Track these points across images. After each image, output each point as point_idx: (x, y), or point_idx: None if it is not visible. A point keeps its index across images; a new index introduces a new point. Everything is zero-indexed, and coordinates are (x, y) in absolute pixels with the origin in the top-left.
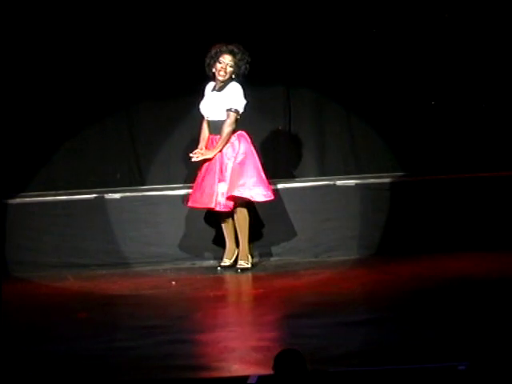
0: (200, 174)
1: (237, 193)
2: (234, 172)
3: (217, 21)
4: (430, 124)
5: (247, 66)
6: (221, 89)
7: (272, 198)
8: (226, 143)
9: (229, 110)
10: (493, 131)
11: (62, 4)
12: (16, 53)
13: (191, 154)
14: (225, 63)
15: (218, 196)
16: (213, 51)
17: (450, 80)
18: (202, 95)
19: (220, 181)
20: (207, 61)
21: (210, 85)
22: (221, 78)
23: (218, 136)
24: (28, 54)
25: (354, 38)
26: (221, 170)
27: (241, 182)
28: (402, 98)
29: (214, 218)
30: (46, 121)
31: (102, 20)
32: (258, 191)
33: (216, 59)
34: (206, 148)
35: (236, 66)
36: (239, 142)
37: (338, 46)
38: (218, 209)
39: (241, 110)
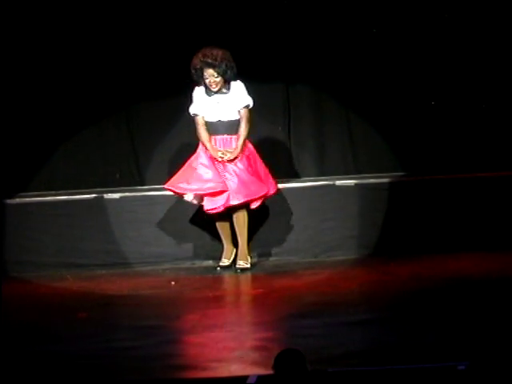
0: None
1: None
2: (247, 173)
3: (215, 19)
4: (430, 124)
5: (230, 64)
6: (227, 90)
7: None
8: (245, 141)
9: (243, 108)
10: (493, 131)
11: (60, 5)
12: (16, 54)
13: (221, 155)
14: (210, 77)
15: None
16: (194, 69)
17: (450, 80)
18: (190, 100)
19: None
20: (195, 77)
21: (201, 89)
22: (216, 90)
23: (231, 136)
24: (28, 55)
25: (354, 38)
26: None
27: (253, 182)
28: (402, 97)
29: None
30: (46, 121)
31: (101, 21)
32: (271, 184)
33: (201, 75)
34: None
35: (220, 73)
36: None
37: (339, 46)
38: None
39: (251, 105)
